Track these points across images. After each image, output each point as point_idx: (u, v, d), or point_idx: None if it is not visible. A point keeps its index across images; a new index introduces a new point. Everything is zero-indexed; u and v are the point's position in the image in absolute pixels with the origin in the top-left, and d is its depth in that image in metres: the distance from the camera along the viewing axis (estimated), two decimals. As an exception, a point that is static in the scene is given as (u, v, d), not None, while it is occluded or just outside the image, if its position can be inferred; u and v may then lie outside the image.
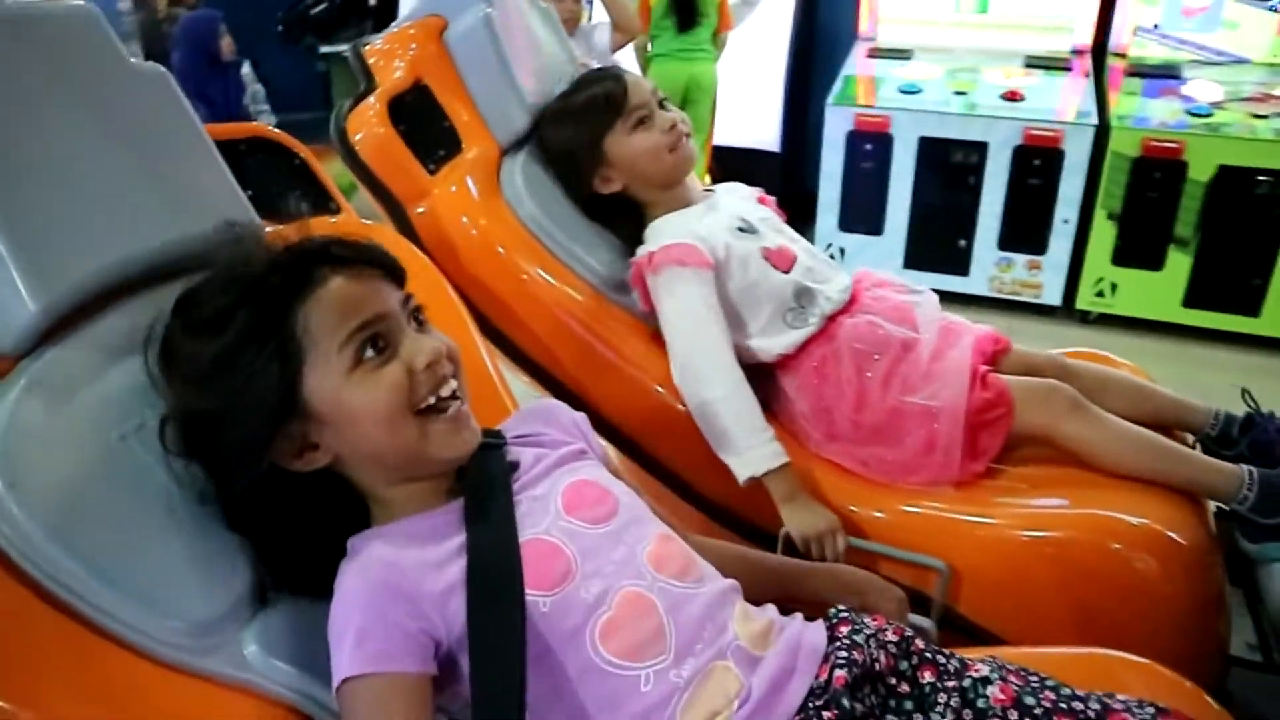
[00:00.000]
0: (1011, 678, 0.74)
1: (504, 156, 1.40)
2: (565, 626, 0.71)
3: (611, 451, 1.29)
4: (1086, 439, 1.15)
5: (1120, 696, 0.72)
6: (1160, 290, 3.03)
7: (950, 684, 0.74)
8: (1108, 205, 3.02)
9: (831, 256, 3.38)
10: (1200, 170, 2.87)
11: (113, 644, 0.65)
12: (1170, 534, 1.07)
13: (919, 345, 1.24)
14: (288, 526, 0.74)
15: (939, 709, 0.73)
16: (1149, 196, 2.95)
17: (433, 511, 0.76)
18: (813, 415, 1.25)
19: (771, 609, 0.82)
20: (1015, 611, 1.12)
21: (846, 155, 3.27)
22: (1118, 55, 3.31)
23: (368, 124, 1.30)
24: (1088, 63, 3.34)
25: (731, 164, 3.75)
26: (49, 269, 0.70)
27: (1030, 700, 0.71)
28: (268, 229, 0.84)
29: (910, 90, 3.27)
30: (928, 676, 0.75)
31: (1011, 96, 3.16)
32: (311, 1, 4.62)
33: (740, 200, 1.39)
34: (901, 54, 3.51)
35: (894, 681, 0.75)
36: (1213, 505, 1.18)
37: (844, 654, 0.74)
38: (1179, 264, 2.99)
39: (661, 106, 1.34)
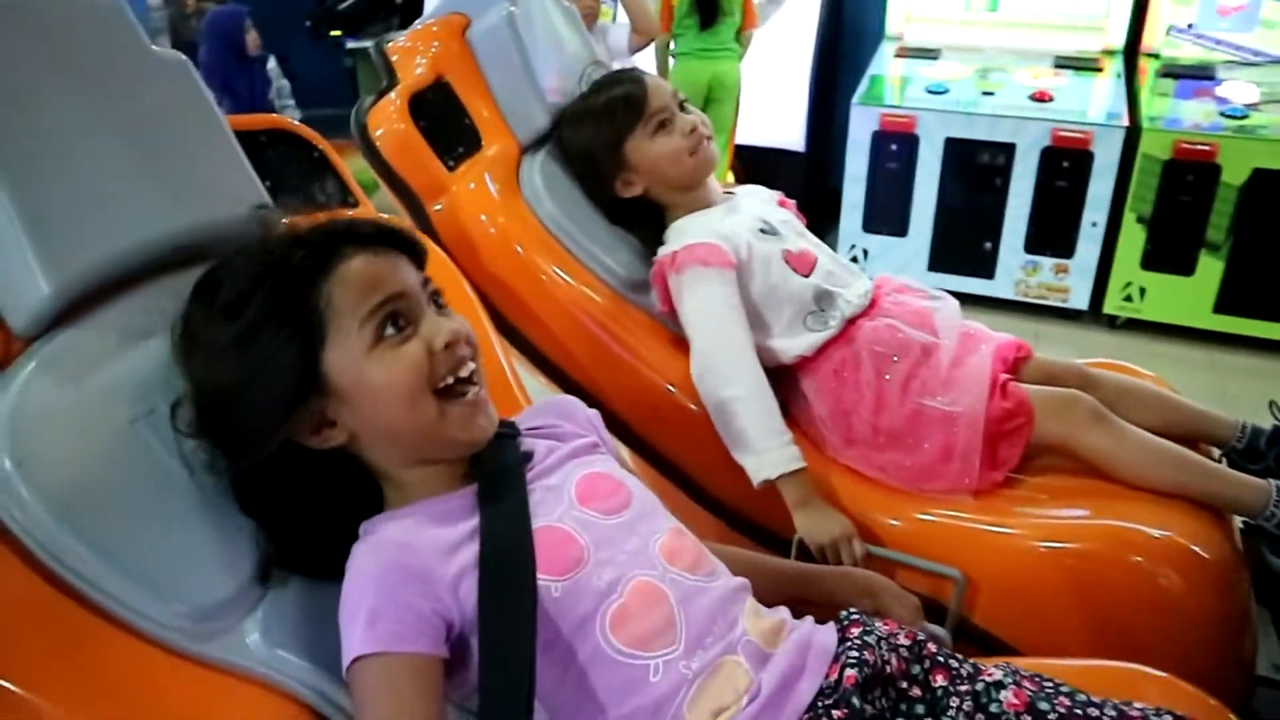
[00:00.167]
0: (1025, 683, 0.73)
1: (524, 155, 1.40)
2: (576, 613, 0.71)
3: (624, 451, 1.29)
4: (1107, 450, 1.13)
5: (1138, 705, 0.71)
6: (1190, 295, 2.98)
7: (963, 688, 0.74)
8: (1137, 208, 2.97)
9: (855, 259, 3.36)
10: (1234, 173, 2.82)
11: (115, 627, 0.65)
12: (1194, 548, 1.05)
13: (939, 350, 1.23)
14: (300, 507, 0.75)
15: (951, 713, 0.72)
16: (1180, 200, 2.90)
17: (447, 495, 0.76)
18: (831, 419, 1.24)
19: (783, 610, 0.81)
20: (1031, 623, 1.10)
21: (871, 155, 3.25)
22: (1150, 55, 3.26)
23: (388, 119, 1.30)
24: (1119, 63, 3.29)
25: (755, 163, 3.73)
26: (64, 251, 0.70)
27: (1044, 706, 0.70)
28: (284, 220, 0.84)
29: (937, 90, 3.24)
30: (940, 680, 0.75)
31: (1040, 97, 3.12)
32: (339, -4, 4.66)
33: (761, 203, 1.39)
34: (929, 53, 3.47)
35: (905, 685, 0.75)
36: (1238, 521, 1.15)
37: (855, 654, 0.74)
38: (1210, 269, 2.94)
39: (682, 108, 1.34)
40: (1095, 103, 3.11)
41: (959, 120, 3.12)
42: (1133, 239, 3.00)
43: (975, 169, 3.14)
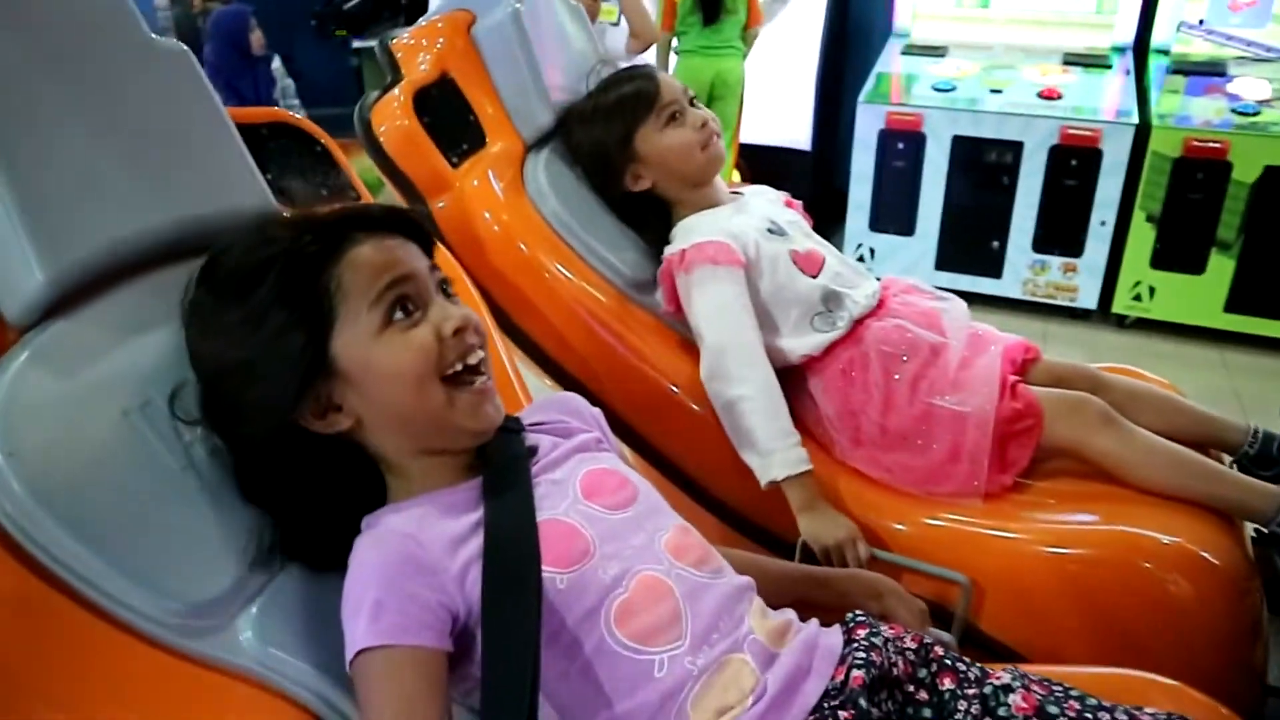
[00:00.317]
0: (1034, 687, 0.72)
1: (528, 152, 1.40)
2: (581, 605, 0.71)
3: (628, 453, 1.28)
4: (1117, 454, 1.12)
5: (1149, 711, 0.70)
6: (1201, 295, 2.96)
7: (970, 691, 0.73)
8: (1147, 207, 2.94)
9: (861, 258, 3.34)
10: (1245, 171, 2.79)
11: (106, 623, 0.64)
12: (1204, 554, 1.03)
13: (947, 351, 1.22)
14: (303, 494, 0.74)
15: (958, 717, 0.71)
16: (1190, 198, 2.88)
17: (452, 488, 0.76)
18: (838, 420, 1.23)
19: (789, 610, 0.81)
20: (1039, 630, 1.09)
21: (878, 154, 3.23)
22: (1160, 52, 3.23)
23: (392, 115, 1.30)
24: (1129, 60, 3.26)
25: (761, 163, 3.72)
26: (60, 240, 0.69)
27: (1053, 710, 0.70)
28: (285, 213, 0.84)
29: (944, 88, 3.22)
30: (947, 683, 0.74)
31: (1048, 95, 3.10)
32: (344, -4, 4.66)
33: (768, 203, 1.38)
34: (936, 51, 3.45)
35: (912, 688, 0.74)
36: (1250, 528, 1.13)
37: (861, 655, 0.73)
38: (1221, 268, 2.91)
39: (692, 105, 1.34)
40: (1104, 100, 3.08)
41: (966, 118, 3.10)
42: (1142, 237, 2.98)
43: (983, 167, 3.12)
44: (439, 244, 1.12)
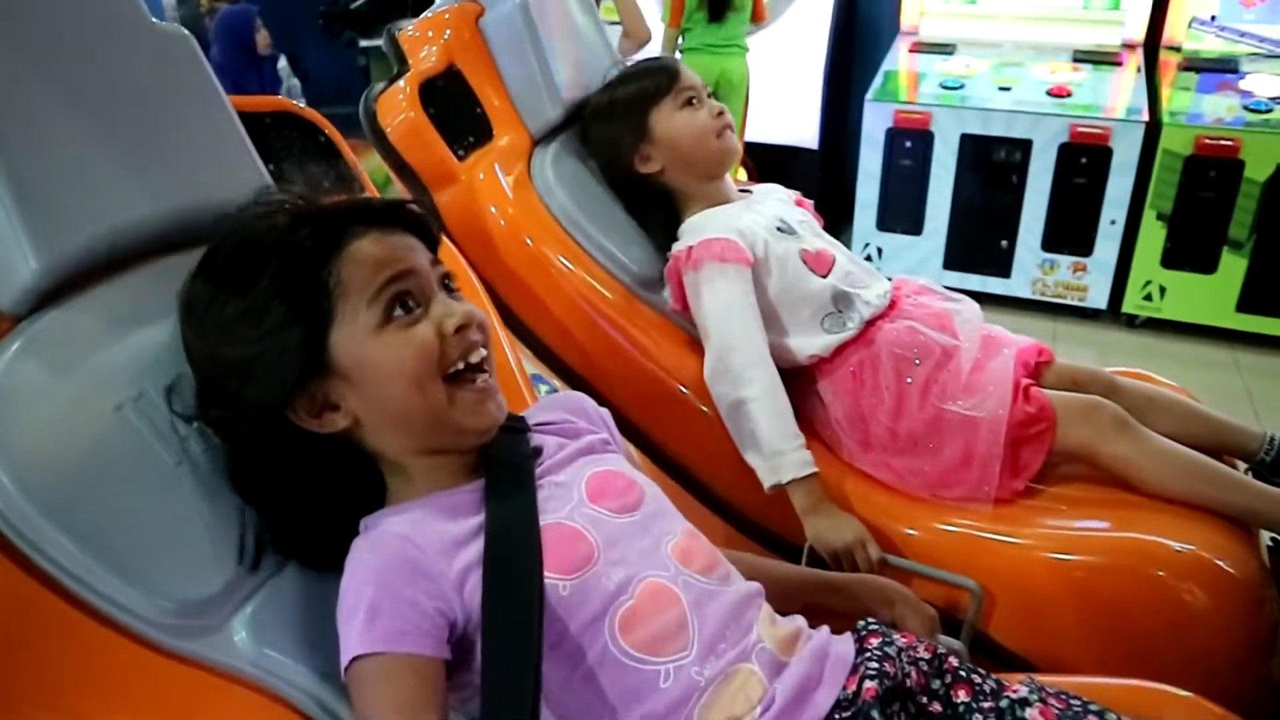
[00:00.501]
0: (1052, 700, 0.71)
1: (536, 147, 1.38)
2: (584, 613, 0.69)
3: (634, 453, 1.27)
4: (1131, 459, 1.10)
5: None
6: (1212, 294, 2.93)
7: (986, 704, 0.72)
8: (1157, 205, 2.92)
9: (868, 257, 3.32)
10: (1258, 169, 2.76)
11: (97, 622, 0.63)
12: (1219, 563, 1.02)
13: (959, 354, 1.21)
14: (298, 494, 0.73)
15: None
16: (1202, 196, 2.85)
17: (453, 489, 0.74)
18: (848, 422, 1.22)
19: (798, 617, 0.79)
20: (1050, 638, 1.08)
21: (886, 153, 3.21)
22: (1171, 49, 3.20)
23: (397, 106, 1.29)
24: (1139, 57, 3.23)
25: (769, 161, 3.69)
26: (55, 226, 0.68)
27: None
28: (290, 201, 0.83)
29: (952, 86, 3.19)
30: (962, 696, 0.73)
31: (1058, 92, 3.08)
32: (352, -5, 4.65)
33: (779, 202, 1.37)
34: (944, 48, 3.43)
35: (925, 700, 0.73)
36: (1266, 536, 1.12)
37: (874, 665, 0.72)
38: (1233, 267, 2.88)
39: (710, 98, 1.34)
40: (1114, 98, 3.06)
41: (975, 116, 3.08)
42: (1153, 236, 2.95)
43: (991, 166, 3.09)
44: (444, 239, 1.12)
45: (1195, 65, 3.10)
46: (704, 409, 1.22)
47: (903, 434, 1.18)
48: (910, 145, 3.17)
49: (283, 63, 3.51)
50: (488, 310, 1.09)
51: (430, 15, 1.41)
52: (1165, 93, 3.00)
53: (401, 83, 1.30)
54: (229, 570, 0.69)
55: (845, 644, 0.76)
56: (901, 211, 3.27)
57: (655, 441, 1.30)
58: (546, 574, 0.69)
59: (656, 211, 1.34)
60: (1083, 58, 3.26)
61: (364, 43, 4.59)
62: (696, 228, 1.27)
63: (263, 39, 3.31)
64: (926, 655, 0.75)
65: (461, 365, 0.72)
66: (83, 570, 0.62)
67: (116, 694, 0.63)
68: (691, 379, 1.24)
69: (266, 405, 0.69)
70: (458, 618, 0.67)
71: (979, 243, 3.20)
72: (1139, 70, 3.17)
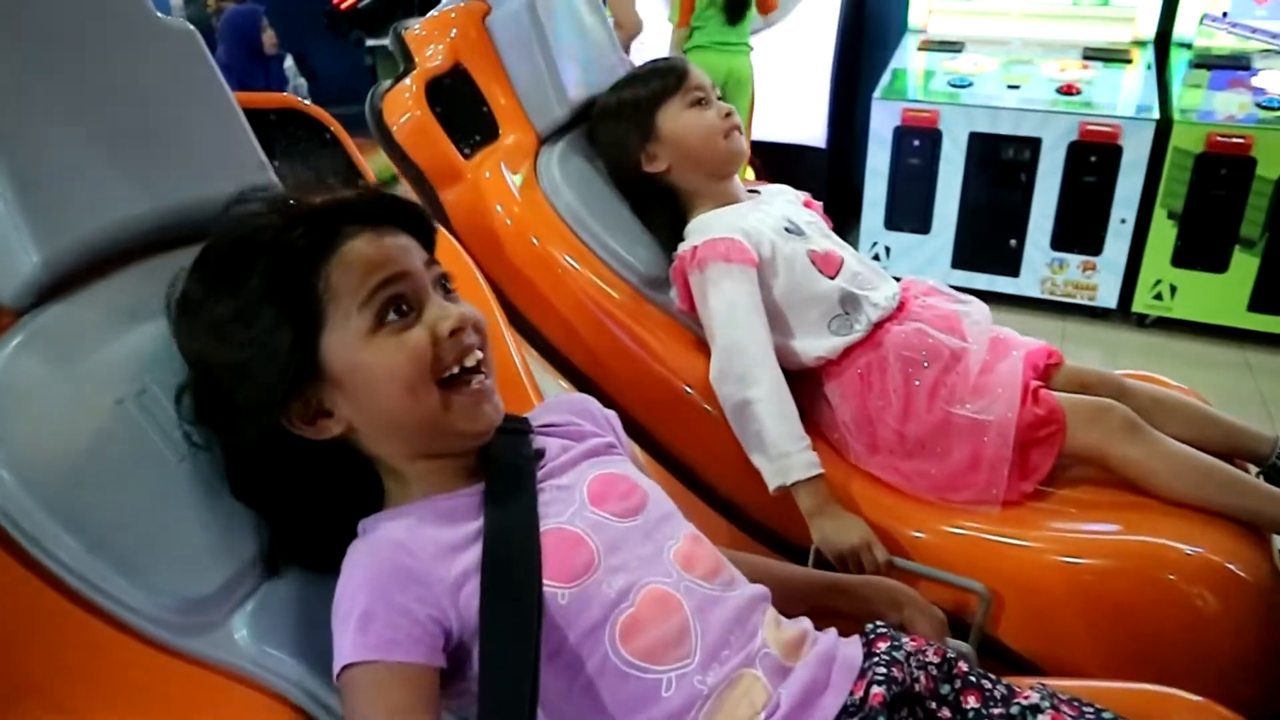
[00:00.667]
0: (1064, 707, 0.70)
1: (542, 146, 1.38)
2: (584, 622, 0.68)
3: (640, 454, 1.26)
4: (1141, 462, 1.09)
5: None
6: (1223, 293, 2.91)
7: (996, 711, 0.71)
8: (1168, 204, 2.90)
9: (876, 256, 3.31)
10: (1270, 167, 2.73)
11: (97, 618, 0.63)
12: (1231, 567, 1.01)
13: (968, 356, 1.20)
14: (295, 498, 0.72)
15: None
16: (1213, 195, 2.83)
17: (452, 493, 0.73)
18: (855, 425, 1.22)
19: (805, 621, 0.78)
20: (1058, 641, 1.07)
21: (894, 151, 3.19)
22: (1182, 46, 3.18)
23: (403, 105, 1.28)
24: (1150, 54, 3.21)
25: (776, 160, 3.68)
26: (57, 221, 0.68)
27: None
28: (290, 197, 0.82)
29: (961, 84, 3.18)
30: (971, 702, 0.72)
31: (1067, 90, 3.06)
32: (358, -6, 4.65)
33: (787, 202, 1.36)
34: (952, 46, 3.41)
35: (934, 706, 0.72)
36: (1278, 541, 1.10)
37: (882, 670, 0.71)
38: (1245, 266, 2.86)
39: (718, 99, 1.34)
40: (1125, 95, 3.04)
41: (983, 115, 3.06)
42: (1163, 235, 2.93)
43: (1000, 164, 3.07)
44: (449, 237, 1.12)
45: (1206, 62, 3.08)
46: (710, 410, 1.21)
47: (910, 437, 1.18)
48: (918, 144, 3.15)
49: (289, 62, 3.51)
50: (492, 310, 1.09)
51: (437, 14, 1.41)
52: (1176, 90, 2.98)
53: (408, 81, 1.29)
54: (230, 567, 0.69)
55: (853, 647, 0.75)
56: (909, 210, 3.25)
57: (662, 442, 1.29)
58: (545, 582, 0.67)
59: (663, 211, 1.33)
60: (1092, 55, 3.24)
61: (371, 42, 4.60)
62: (702, 227, 1.26)
63: (269, 38, 3.31)
64: (935, 659, 0.74)
65: (456, 369, 0.71)
66: (83, 566, 0.62)
67: (116, 690, 0.63)
68: (698, 380, 1.23)
69: (259, 409, 0.68)
70: (453, 625, 0.66)
71: (987, 242, 3.18)
72: (1149, 67, 3.14)
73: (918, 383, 1.18)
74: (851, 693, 0.70)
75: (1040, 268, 3.13)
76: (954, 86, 3.17)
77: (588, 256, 1.29)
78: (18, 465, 0.61)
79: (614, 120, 1.34)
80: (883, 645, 0.74)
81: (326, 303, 0.68)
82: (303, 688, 0.69)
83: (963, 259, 3.23)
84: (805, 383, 1.24)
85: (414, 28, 1.37)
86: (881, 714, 0.68)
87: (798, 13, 3.70)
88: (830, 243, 1.30)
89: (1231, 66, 3.03)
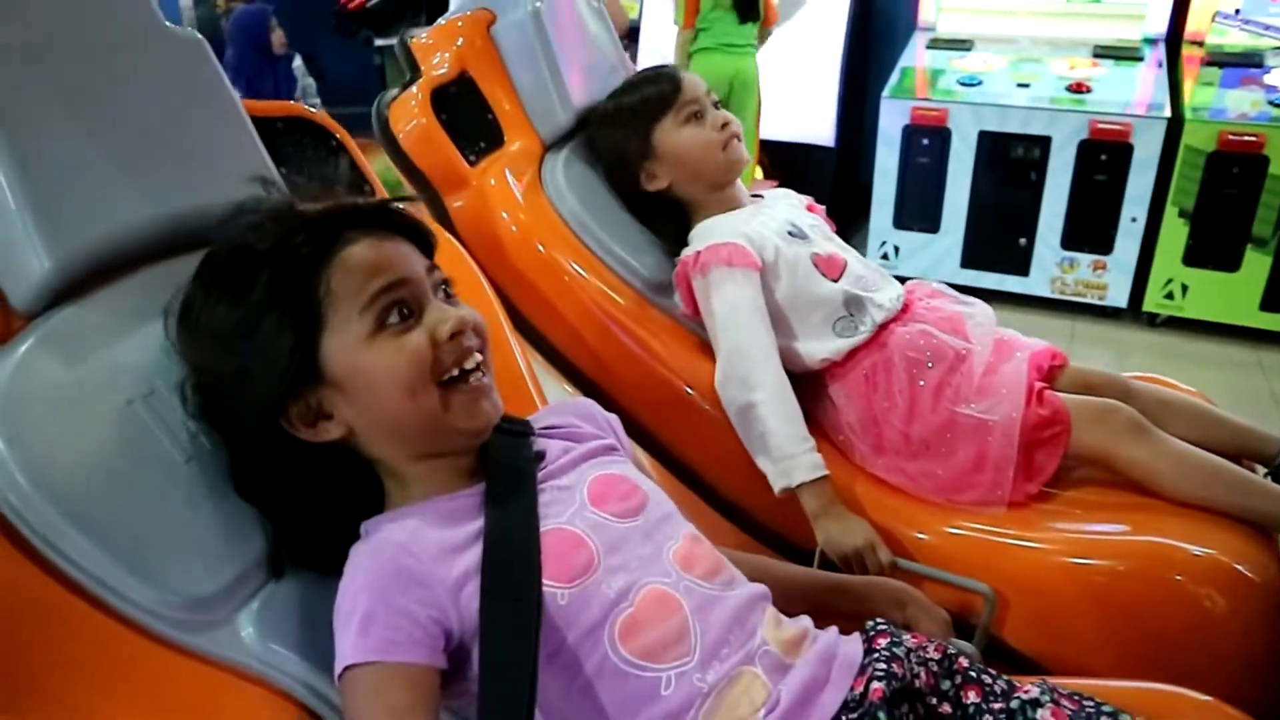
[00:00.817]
0: (1064, 701, 0.70)
1: (547, 152, 1.39)
2: (583, 621, 0.68)
3: (643, 457, 1.26)
4: (1147, 462, 1.09)
5: None
6: (1235, 292, 2.89)
7: (996, 705, 0.71)
8: (1179, 202, 2.88)
9: (885, 255, 3.30)
10: (1283, 165, 2.72)
11: (106, 615, 0.63)
12: (1239, 568, 1.00)
13: (972, 357, 1.20)
14: (297, 500, 0.73)
15: None
16: (1225, 193, 2.82)
17: (453, 494, 0.74)
18: (860, 426, 1.21)
19: (805, 619, 0.78)
20: (1064, 643, 1.06)
21: (902, 150, 3.19)
22: (1194, 43, 3.16)
23: (409, 112, 1.29)
24: (1161, 52, 3.19)
25: (785, 159, 3.68)
26: (68, 226, 0.69)
27: None
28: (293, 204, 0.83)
29: (970, 82, 3.17)
30: (972, 697, 0.72)
31: (1077, 88, 3.05)
32: (367, -7, 4.68)
33: (790, 206, 1.36)
34: (962, 44, 3.40)
35: (935, 701, 0.72)
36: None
37: (882, 666, 0.71)
38: (1257, 265, 2.84)
39: (715, 106, 1.32)
40: (1135, 93, 3.02)
41: (993, 113, 3.05)
42: (1174, 234, 2.92)
43: (1010, 163, 3.07)
44: (453, 242, 1.12)
45: (1219, 59, 3.06)
46: (715, 413, 1.21)
47: (915, 437, 1.17)
48: (927, 142, 3.15)
49: (297, 62, 3.52)
50: (497, 316, 1.09)
51: (444, 23, 1.42)
52: (1188, 88, 2.97)
53: (414, 89, 1.30)
54: (236, 566, 0.70)
55: (853, 645, 0.75)
56: (918, 209, 3.25)
57: (667, 446, 1.29)
58: (545, 582, 0.68)
59: (666, 219, 1.34)
60: (1103, 53, 3.22)
61: (379, 41, 4.62)
62: (706, 233, 1.26)
63: (278, 38, 3.32)
64: (936, 655, 0.74)
65: (456, 372, 0.72)
66: (92, 563, 0.63)
67: (124, 687, 0.63)
68: (702, 383, 1.23)
69: (260, 412, 0.69)
70: (454, 626, 0.66)
71: (997, 241, 3.17)
72: (1161, 65, 3.13)
73: (922, 383, 1.18)
74: (851, 689, 0.70)
75: (1050, 267, 3.12)
76: (963, 85, 3.17)
77: (593, 262, 1.30)
78: (30, 465, 0.62)
79: (610, 137, 1.35)
80: (883, 642, 0.75)
81: (327, 307, 0.69)
82: (307, 685, 0.70)
83: (972, 258, 3.22)
84: (810, 385, 1.24)
85: (420, 37, 1.38)
86: (881, 709, 0.68)
87: (806, 11, 3.69)
88: (833, 246, 1.30)
89: (1244, 64, 3.02)
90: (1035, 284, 3.15)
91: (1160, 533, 1.05)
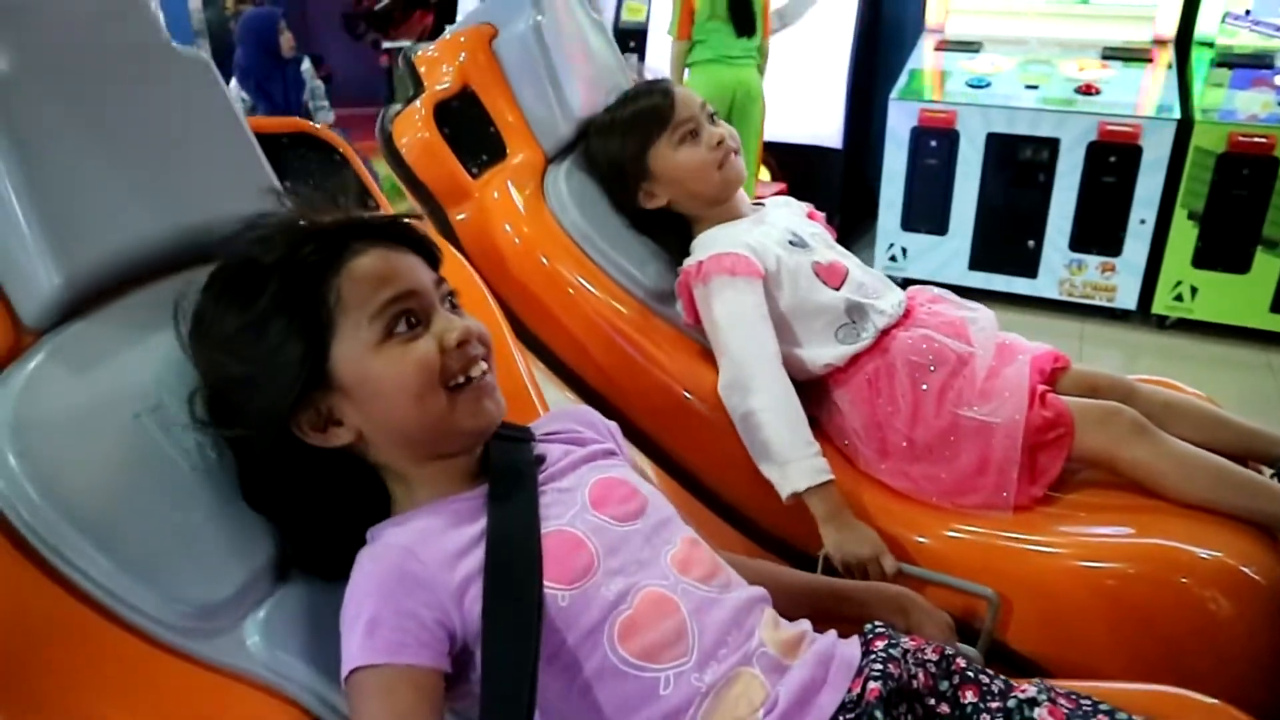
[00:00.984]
0: (1061, 700, 0.70)
1: (549, 165, 1.39)
2: (583, 623, 0.69)
3: (645, 463, 1.26)
4: (1151, 464, 1.08)
5: None
6: (1245, 294, 2.88)
7: (994, 705, 0.71)
8: (1189, 204, 2.87)
9: (893, 257, 3.30)
10: (1293, 167, 2.71)
11: (115, 625, 0.64)
12: (1245, 570, 0.99)
13: (974, 361, 1.20)
14: (306, 505, 0.74)
15: None
16: (1235, 195, 2.81)
17: (456, 496, 0.75)
18: (864, 431, 1.22)
19: (804, 622, 0.79)
20: (1069, 647, 1.06)
21: (910, 152, 3.19)
22: (1204, 44, 3.14)
23: (412, 126, 1.30)
24: (1170, 53, 3.18)
25: (792, 161, 3.68)
26: (77, 243, 0.70)
27: None
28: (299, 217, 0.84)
29: (978, 84, 3.16)
30: (969, 697, 0.72)
31: (1086, 90, 3.04)
32: (374, -4, 4.71)
33: (791, 215, 1.37)
34: (970, 46, 3.40)
35: (932, 701, 0.72)
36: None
37: (879, 667, 0.71)
38: (1267, 266, 2.83)
39: (711, 121, 1.32)
40: (1145, 95, 3.01)
41: (1001, 115, 3.05)
42: (1184, 236, 2.91)
43: (1018, 165, 3.06)
44: (457, 255, 1.13)
45: (1228, 61, 3.05)
46: (718, 420, 1.21)
47: (919, 441, 1.17)
48: (935, 144, 3.15)
49: (306, 64, 3.53)
50: (500, 327, 1.10)
51: (446, 38, 1.44)
52: (1197, 89, 2.96)
53: (417, 104, 1.31)
54: (243, 574, 0.71)
55: (851, 647, 0.76)
56: (926, 211, 3.24)
57: (671, 453, 1.29)
58: (546, 584, 0.69)
59: (667, 230, 1.34)
60: (1112, 54, 3.22)
61: (387, 44, 4.64)
62: (708, 243, 1.27)
63: (286, 41, 3.33)
64: (934, 657, 0.75)
65: (462, 379, 0.73)
66: (102, 574, 0.64)
67: (133, 696, 0.64)
68: (705, 391, 1.23)
69: (270, 418, 0.70)
70: (457, 629, 0.67)
71: (1005, 243, 3.17)
72: (1170, 66, 3.12)
73: (925, 387, 1.18)
74: (849, 690, 0.70)
75: (1059, 269, 3.11)
76: (971, 87, 3.16)
77: (595, 273, 1.30)
78: (40, 478, 0.63)
79: (606, 156, 1.35)
80: (880, 643, 0.75)
81: (337, 315, 0.70)
82: (314, 692, 0.70)
83: (980, 260, 3.21)
84: (814, 391, 1.24)
85: (424, 51, 1.39)
86: (878, 709, 0.68)
87: (814, 13, 3.69)
88: (834, 253, 1.30)
89: (1254, 65, 3.00)
90: (1044, 286, 3.14)
91: (1166, 535, 1.04)
